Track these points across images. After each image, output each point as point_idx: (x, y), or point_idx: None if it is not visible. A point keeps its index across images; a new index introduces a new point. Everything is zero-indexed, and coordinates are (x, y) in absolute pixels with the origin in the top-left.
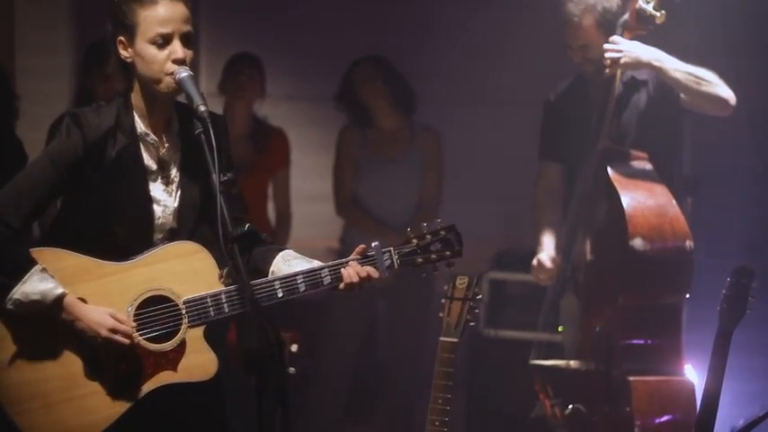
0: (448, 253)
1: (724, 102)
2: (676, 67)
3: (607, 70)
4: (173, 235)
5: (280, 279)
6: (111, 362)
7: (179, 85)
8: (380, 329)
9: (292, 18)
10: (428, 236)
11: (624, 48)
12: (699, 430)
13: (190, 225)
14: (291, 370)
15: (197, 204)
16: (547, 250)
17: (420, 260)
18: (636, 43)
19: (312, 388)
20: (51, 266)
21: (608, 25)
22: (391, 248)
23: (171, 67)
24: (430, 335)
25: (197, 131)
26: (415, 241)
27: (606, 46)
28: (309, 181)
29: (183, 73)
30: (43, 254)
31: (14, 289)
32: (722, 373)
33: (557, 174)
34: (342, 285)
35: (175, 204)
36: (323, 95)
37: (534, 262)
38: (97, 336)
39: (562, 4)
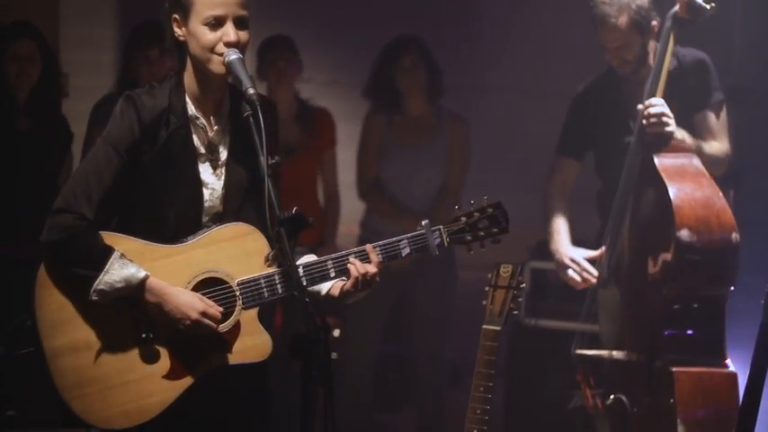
0: (495, 230)
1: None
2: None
3: (650, 129)
4: (219, 219)
5: (333, 258)
6: (167, 345)
7: (228, 68)
8: (405, 316)
9: (333, 2)
10: (476, 213)
11: (671, 116)
12: (742, 422)
13: (235, 208)
14: (334, 355)
15: (242, 188)
16: (570, 246)
17: (469, 238)
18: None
19: (339, 376)
20: None
21: (643, 23)
22: (441, 226)
23: (222, 49)
24: (455, 321)
25: (245, 114)
26: (463, 219)
27: (663, 110)
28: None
29: (233, 56)
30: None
31: (98, 280)
32: (766, 366)
33: (573, 171)
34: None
35: (222, 188)
36: (343, 80)
37: (567, 260)
38: (186, 318)
39: (595, 7)
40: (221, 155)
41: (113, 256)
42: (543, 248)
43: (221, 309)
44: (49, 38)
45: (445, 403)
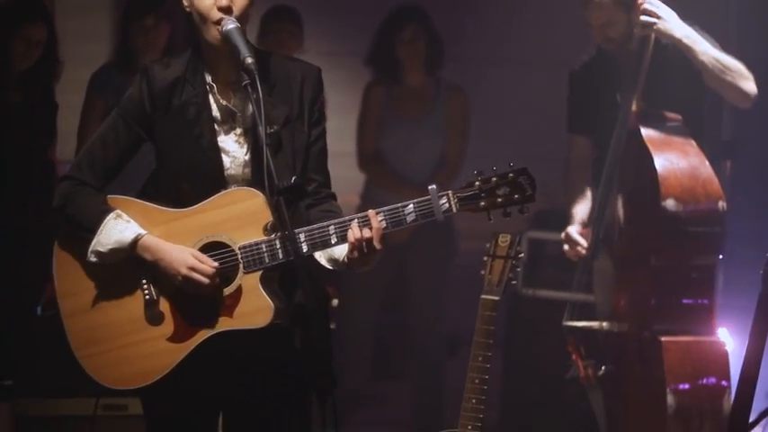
0: (517, 197)
1: (745, 95)
2: (705, 51)
3: (636, 30)
4: (249, 186)
5: (335, 223)
6: (171, 308)
7: (225, 37)
8: (404, 287)
9: None
10: (494, 179)
11: (663, 14)
12: (740, 393)
13: (262, 175)
14: (332, 325)
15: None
16: (576, 223)
17: (483, 204)
18: (673, 14)
19: (337, 346)
20: None
21: (627, 1)
22: (449, 192)
23: (216, 14)
24: (454, 292)
25: (243, 83)
26: (477, 184)
27: (645, 6)
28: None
29: (230, 25)
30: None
31: (93, 241)
32: (765, 336)
33: (585, 146)
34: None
35: (246, 155)
36: (342, 51)
37: (563, 235)
38: (177, 274)
39: None
40: (242, 122)
41: (108, 217)
42: (541, 218)
43: (215, 264)
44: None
45: (443, 373)
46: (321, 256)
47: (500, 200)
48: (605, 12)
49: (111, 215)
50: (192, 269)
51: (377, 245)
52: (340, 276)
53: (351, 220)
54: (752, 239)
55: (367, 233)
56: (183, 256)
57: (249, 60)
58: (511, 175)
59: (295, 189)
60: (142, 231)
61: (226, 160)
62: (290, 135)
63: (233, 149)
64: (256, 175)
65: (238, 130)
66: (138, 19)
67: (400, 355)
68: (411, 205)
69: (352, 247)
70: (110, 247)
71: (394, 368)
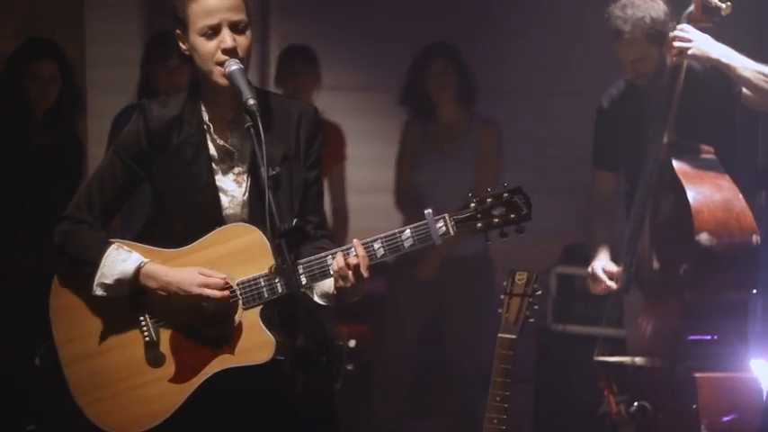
0: (513, 216)
1: None
2: (745, 66)
3: (674, 58)
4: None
5: (332, 254)
6: (172, 349)
7: (228, 79)
8: (441, 325)
9: (351, 6)
10: (489, 199)
11: (694, 38)
12: None
13: (259, 214)
14: (349, 366)
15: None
16: (601, 260)
17: (480, 225)
18: (706, 36)
19: (374, 382)
20: None
21: (658, 36)
22: (446, 214)
23: (220, 57)
24: (492, 331)
25: (246, 125)
26: (473, 205)
27: (675, 33)
28: (362, 172)
29: (233, 66)
30: None
31: (97, 274)
32: None
33: (610, 182)
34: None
35: (245, 195)
36: (376, 86)
37: (590, 269)
38: (189, 293)
39: (609, 20)
40: (240, 162)
41: (110, 248)
42: (570, 254)
43: (223, 275)
44: (74, 45)
45: (479, 409)
46: (314, 293)
47: (496, 220)
48: (637, 48)
49: (113, 246)
50: (203, 285)
51: (364, 273)
52: (374, 312)
53: (347, 249)
54: None
55: (353, 260)
56: (191, 275)
57: (251, 102)
58: (506, 194)
59: (296, 232)
60: (144, 259)
61: (224, 200)
62: (287, 174)
63: (231, 189)
64: (255, 215)
65: (237, 170)
66: (161, 59)
67: (437, 392)
68: (408, 230)
69: (337, 276)
70: (115, 277)
71: (430, 405)
